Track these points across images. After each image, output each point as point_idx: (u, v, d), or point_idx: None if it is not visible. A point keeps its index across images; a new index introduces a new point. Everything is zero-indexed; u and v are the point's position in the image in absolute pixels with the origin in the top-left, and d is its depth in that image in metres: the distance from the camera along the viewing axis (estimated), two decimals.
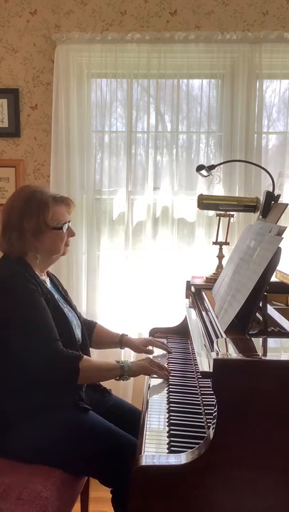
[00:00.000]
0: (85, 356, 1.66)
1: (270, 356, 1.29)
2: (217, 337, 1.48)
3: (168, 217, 2.78)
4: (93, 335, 2.05)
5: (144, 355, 2.01)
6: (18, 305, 1.63)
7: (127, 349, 2.68)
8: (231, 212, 2.41)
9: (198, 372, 1.66)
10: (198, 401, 1.57)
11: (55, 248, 1.79)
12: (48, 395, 1.64)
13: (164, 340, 2.18)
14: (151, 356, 1.98)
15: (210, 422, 1.28)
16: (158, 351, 2.06)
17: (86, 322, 2.06)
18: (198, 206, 2.35)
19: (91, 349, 1.96)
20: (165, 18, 2.74)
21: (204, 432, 1.33)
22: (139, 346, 2.04)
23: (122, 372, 1.69)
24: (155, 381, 1.76)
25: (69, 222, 1.82)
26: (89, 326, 2.05)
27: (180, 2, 2.73)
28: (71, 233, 1.84)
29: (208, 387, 1.37)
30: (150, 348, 2.05)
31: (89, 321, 2.10)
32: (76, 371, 1.60)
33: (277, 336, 1.47)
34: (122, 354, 2.70)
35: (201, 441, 1.20)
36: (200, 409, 1.51)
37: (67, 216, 1.81)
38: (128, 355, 2.69)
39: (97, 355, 2.60)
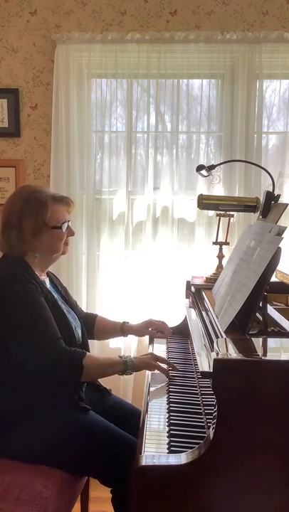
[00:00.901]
0: (88, 353, 1.66)
1: (270, 356, 1.29)
2: (217, 337, 1.48)
3: (168, 217, 2.78)
4: (95, 327, 2.06)
5: (145, 351, 2.03)
6: (18, 305, 1.63)
7: (127, 344, 2.71)
8: (231, 212, 2.41)
9: (198, 372, 1.66)
10: (198, 401, 1.57)
11: (54, 247, 1.79)
12: (48, 395, 1.64)
13: (164, 341, 2.18)
14: (152, 350, 1.99)
15: (210, 422, 1.28)
16: (157, 348, 2.06)
17: (87, 315, 2.08)
18: (198, 206, 2.35)
19: (95, 341, 1.96)
20: (165, 18, 2.74)
21: (204, 432, 1.33)
22: (140, 330, 2.06)
23: (126, 367, 1.68)
24: (155, 381, 1.76)
25: (69, 221, 1.82)
26: (90, 319, 2.07)
27: (180, 2, 2.73)
28: (71, 232, 1.84)
29: (208, 387, 1.37)
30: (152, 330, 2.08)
31: (89, 313, 2.11)
32: (80, 368, 1.60)
33: (277, 336, 1.47)
34: (122, 351, 2.72)
35: (201, 441, 1.20)
36: (200, 409, 1.51)
37: (66, 216, 1.81)
38: (128, 352, 2.71)
39: (97, 349, 2.61)
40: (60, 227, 1.77)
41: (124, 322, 2.08)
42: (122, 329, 2.07)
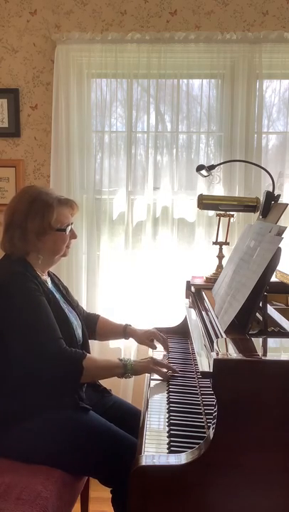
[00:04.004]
0: (88, 354, 1.66)
1: (270, 356, 1.29)
2: (217, 337, 1.48)
3: (168, 217, 2.78)
4: (97, 327, 2.07)
5: (146, 351, 2.02)
6: (19, 304, 1.63)
7: (127, 345, 2.71)
8: (231, 212, 2.41)
9: (198, 372, 1.66)
10: (198, 401, 1.57)
11: (57, 249, 1.80)
12: (48, 395, 1.64)
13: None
14: (152, 354, 1.99)
15: (210, 422, 1.28)
16: (157, 351, 2.06)
17: (89, 315, 2.08)
18: (198, 206, 2.35)
19: (95, 341, 1.97)
20: (165, 18, 2.74)
21: (204, 432, 1.33)
22: (142, 338, 2.06)
23: (125, 370, 1.69)
24: (155, 381, 1.76)
25: (72, 224, 1.82)
26: (92, 319, 2.08)
27: (180, 2, 2.73)
28: (73, 235, 1.85)
29: (208, 387, 1.37)
30: (153, 342, 2.07)
31: (92, 314, 2.12)
32: (79, 369, 1.60)
33: (277, 336, 1.47)
34: (122, 352, 2.72)
35: (201, 441, 1.20)
36: (200, 409, 1.51)
37: (70, 218, 1.82)
38: (128, 353, 2.70)
39: (97, 349, 2.61)
40: (64, 230, 1.77)
41: (126, 325, 2.09)
42: (125, 332, 2.07)
